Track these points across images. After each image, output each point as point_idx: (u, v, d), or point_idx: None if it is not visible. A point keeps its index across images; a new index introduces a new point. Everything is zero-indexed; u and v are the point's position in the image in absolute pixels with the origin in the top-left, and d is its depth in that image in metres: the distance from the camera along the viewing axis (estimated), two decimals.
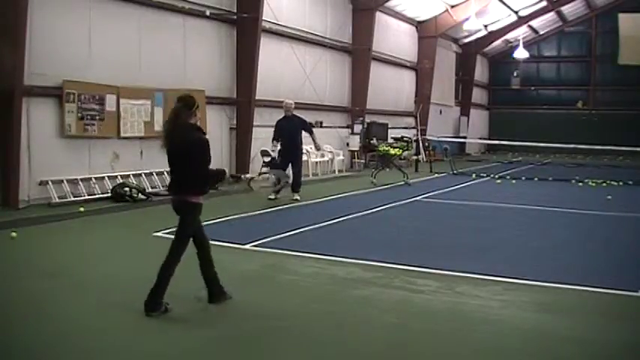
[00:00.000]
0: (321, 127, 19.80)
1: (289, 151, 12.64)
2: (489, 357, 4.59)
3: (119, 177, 12.45)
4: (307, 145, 17.88)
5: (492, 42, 32.66)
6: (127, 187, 12.00)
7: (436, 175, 19.59)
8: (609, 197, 13.87)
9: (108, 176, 12.28)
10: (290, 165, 12.82)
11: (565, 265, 7.41)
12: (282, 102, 13.37)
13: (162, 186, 13.40)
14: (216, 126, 15.22)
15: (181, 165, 5.34)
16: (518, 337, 4.94)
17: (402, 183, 16.14)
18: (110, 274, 6.55)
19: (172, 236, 5.51)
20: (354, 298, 5.91)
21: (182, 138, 5.33)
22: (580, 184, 17.19)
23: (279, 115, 13.12)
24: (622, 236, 9.47)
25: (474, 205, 12.76)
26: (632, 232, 9.93)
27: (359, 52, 21.73)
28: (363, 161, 21.78)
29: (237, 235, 8.47)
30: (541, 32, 35.13)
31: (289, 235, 8.82)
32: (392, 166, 17.11)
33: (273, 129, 13.01)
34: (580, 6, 32.79)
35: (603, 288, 6.28)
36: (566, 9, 32.34)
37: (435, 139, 25.32)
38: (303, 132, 12.90)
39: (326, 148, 19.76)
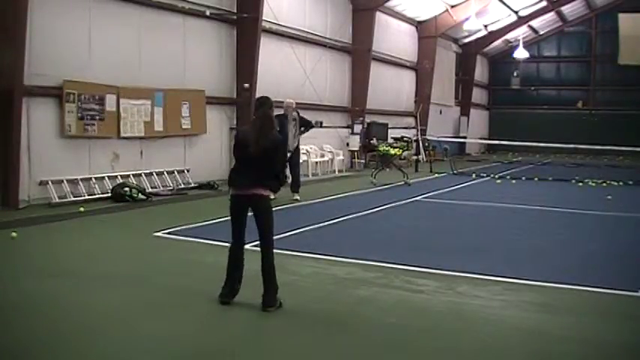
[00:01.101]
0: (321, 127, 19.80)
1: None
2: (489, 357, 4.59)
3: (119, 177, 12.45)
4: (307, 146, 17.97)
5: (492, 42, 32.65)
6: (127, 187, 11.99)
7: (436, 175, 19.59)
8: (609, 197, 13.87)
9: (108, 176, 12.27)
10: (288, 165, 12.75)
11: (565, 265, 7.40)
12: (282, 102, 13.34)
13: (163, 186, 13.43)
14: (216, 126, 15.23)
15: (266, 163, 5.53)
16: (518, 337, 4.94)
17: (402, 183, 16.14)
18: (110, 274, 6.54)
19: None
20: (355, 298, 5.91)
21: (271, 138, 5.61)
22: (580, 184, 17.18)
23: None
24: (622, 236, 9.48)
25: (474, 205, 12.76)
26: (632, 232, 9.93)
27: (359, 52, 21.72)
28: (363, 161, 21.77)
29: None
30: (541, 32, 35.13)
31: (289, 235, 8.80)
32: (392, 166, 17.12)
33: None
34: (580, 6, 32.79)
35: (603, 288, 6.28)
36: (566, 9, 32.34)
37: (435, 139, 25.32)
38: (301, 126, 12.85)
39: (326, 148, 19.79)
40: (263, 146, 5.50)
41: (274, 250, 5.58)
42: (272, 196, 5.68)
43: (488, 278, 6.56)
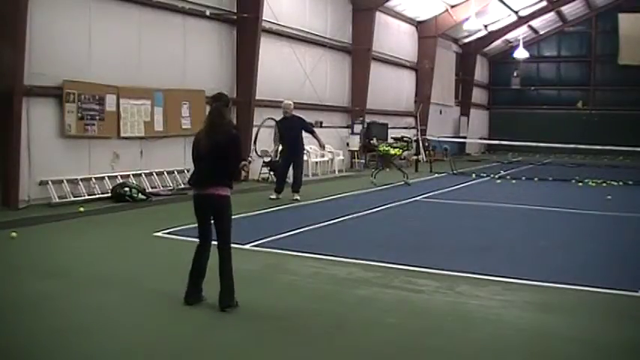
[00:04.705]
0: (321, 127, 19.79)
1: (291, 152, 12.60)
2: (489, 357, 4.59)
3: (119, 177, 12.45)
4: (307, 146, 17.92)
5: (492, 42, 32.66)
6: (127, 187, 12.00)
7: (436, 175, 19.59)
8: (609, 197, 13.87)
9: (108, 176, 12.28)
10: (292, 165, 12.76)
11: (565, 265, 7.40)
12: (282, 102, 13.35)
13: (163, 186, 13.43)
14: None
15: (219, 160, 5.38)
16: (518, 337, 4.94)
17: (402, 183, 16.15)
18: (110, 274, 6.54)
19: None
20: (354, 298, 5.91)
21: (222, 130, 5.45)
22: (580, 184, 17.19)
23: (280, 115, 13.09)
24: (622, 236, 9.47)
25: (474, 205, 12.76)
26: (632, 232, 9.93)
27: (359, 52, 21.73)
28: (363, 161, 21.77)
29: (237, 235, 8.43)
30: (541, 32, 35.13)
31: (289, 235, 8.82)
32: (392, 166, 17.12)
33: (272, 130, 13.01)
34: (580, 6, 32.80)
35: (603, 288, 6.28)
36: (566, 9, 32.35)
37: (435, 139, 25.33)
38: (304, 132, 12.87)
39: (326, 148, 19.76)
40: (215, 140, 5.35)
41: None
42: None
43: (488, 278, 6.56)
